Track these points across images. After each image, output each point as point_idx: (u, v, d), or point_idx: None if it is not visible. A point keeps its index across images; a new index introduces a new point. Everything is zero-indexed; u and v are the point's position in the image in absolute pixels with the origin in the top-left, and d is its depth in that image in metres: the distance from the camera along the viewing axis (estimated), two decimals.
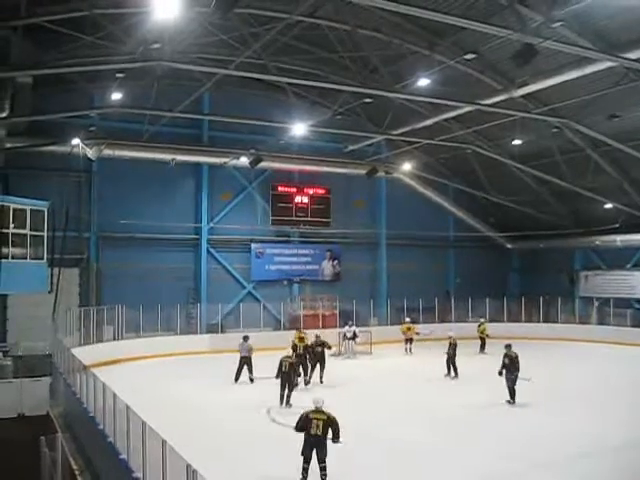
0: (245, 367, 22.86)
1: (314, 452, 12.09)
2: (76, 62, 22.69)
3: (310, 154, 34.57)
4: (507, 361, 19.10)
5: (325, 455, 12.08)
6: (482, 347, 30.03)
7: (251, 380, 22.73)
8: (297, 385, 20.46)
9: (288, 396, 19.51)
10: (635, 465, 13.75)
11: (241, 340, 23.38)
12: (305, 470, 12.10)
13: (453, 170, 39.28)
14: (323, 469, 12.06)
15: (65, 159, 29.01)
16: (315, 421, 12.11)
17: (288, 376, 19.57)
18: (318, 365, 23.17)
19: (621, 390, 21.84)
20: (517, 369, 18.97)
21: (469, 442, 15.34)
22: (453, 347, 24.44)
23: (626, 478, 13.19)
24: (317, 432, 12.06)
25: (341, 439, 12.10)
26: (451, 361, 24.30)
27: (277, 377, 19.50)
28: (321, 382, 22.65)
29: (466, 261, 41.13)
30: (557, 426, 16.75)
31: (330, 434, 12.13)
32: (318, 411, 12.27)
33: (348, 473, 12.77)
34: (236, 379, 22.72)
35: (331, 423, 12.13)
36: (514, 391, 18.96)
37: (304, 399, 19.43)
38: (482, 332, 30.58)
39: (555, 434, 15.88)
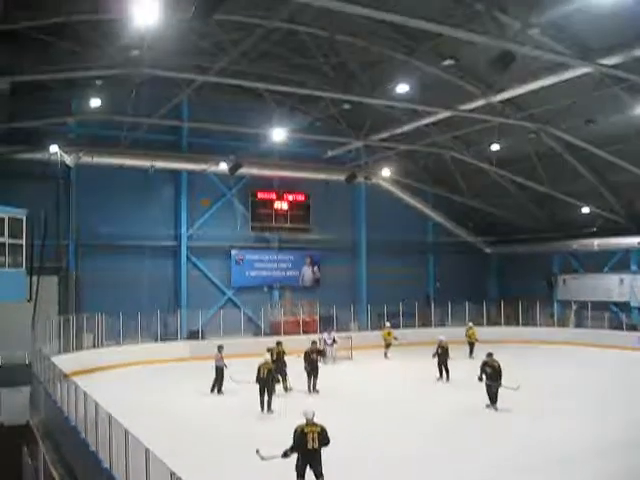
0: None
1: (308, 467, 11.59)
2: (54, 69, 22.56)
3: (289, 160, 34.61)
4: (489, 370, 19.14)
5: (321, 469, 11.61)
6: (471, 351, 30.08)
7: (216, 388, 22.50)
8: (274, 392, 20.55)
9: (269, 402, 19.52)
10: (629, 465, 13.91)
11: (216, 350, 23.20)
12: None
13: (432, 175, 39.46)
14: None
15: (43, 166, 28.90)
16: (311, 434, 11.61)
17: (266, 382, 19.52)
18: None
19: (604, 392, 22.12)
20: (499, 378, 19.01)
21: (463, 449, 15.30)
22: (445, 350, 24.61)
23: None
24: (314, 446, 11.57)
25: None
26: (443, 365, 24.43)
27: (256, 382, 19.46)
28: (315, 390, 22.32)
29: (446, 266, 41.34)
30: (547, 429, 16.87)
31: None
32: (311, 424, 11.77)
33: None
34: (212, 389, 22.43)
35: (324, 434, 11.71)
36: (496, 397, 19.03)
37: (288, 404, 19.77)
38: (470, 336, 30.61)
39: (546, 437, 16.01)
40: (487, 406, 19.11)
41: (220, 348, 23.07)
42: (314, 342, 23.85)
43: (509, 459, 14.34)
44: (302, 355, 23.18)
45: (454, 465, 14.01)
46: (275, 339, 27.36)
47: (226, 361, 22.60)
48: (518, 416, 18.53)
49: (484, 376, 19.29)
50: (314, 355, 22.75)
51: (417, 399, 21.43)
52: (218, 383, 22.44)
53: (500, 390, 19.03)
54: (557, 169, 32.16)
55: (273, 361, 21.73)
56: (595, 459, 14.26)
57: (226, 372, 22.46)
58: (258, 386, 19.48)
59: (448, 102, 25.59)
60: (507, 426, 17.55)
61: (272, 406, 19.53)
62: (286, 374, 22.81)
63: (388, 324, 32.51)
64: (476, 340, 30.41)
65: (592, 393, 22.01)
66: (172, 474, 8.44)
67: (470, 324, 31.89)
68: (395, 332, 31.73)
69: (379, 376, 26.82)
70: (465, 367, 23.43)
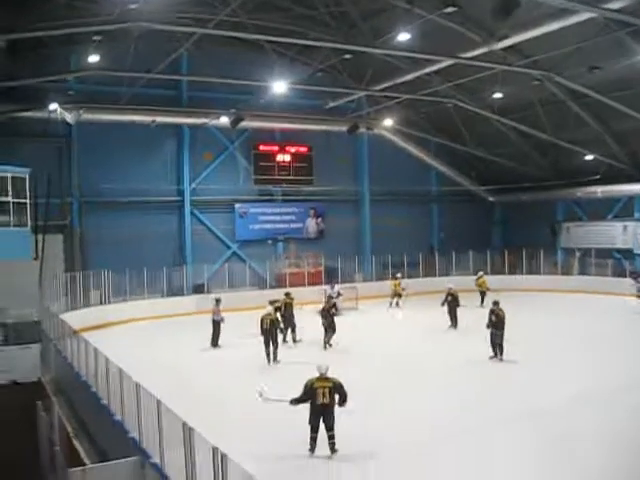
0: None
1: (321, 420, 11.75)
2: (51, 25, 22.29)
3: (291, 112, 34.29)
4: (494, 319, 19.14)
5: (333, 423, 11.74)
6: (482, 300, 29.94)
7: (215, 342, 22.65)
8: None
9: (274, 353, 19.92)
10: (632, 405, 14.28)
11: (213, 302, 23.36)
12: (313, 439, 11.79)
13: (434, 125, 39.18)
14: (331, 437, 11.75)
15: (43, 125, 28.67)
16: (321, 389, 11.69)
17: (270, 333, 19.89)
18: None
19: (608, 339, 22.43)
20: (503, 327, 18.99)
21: (473, 400, 15.47)
22: (454, 298, 24.82)
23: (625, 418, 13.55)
24: (324, 401, 11.66)
25: (349, 403, 11.88)
26: (452, 313, 24.58)
27: (261, 334, 19.83)
28: (329, 345, 22.19)
29: (449, 215, 41.37)
30: (549, 378, 17.15)
31: (337, 399, 11.82)
32: (323, 379, 11.83)
33: (358, 439, 12.45)
34: (212, 344, 22.61)
35: (338, 389, 11.80)
36: (502, 347, 19.08)
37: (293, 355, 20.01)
38: (481, 285, 30.60)
39: (554, 381, 16.46)
40: (490, 357, 19.20)
41: (217, 301, 23.21)
42: (330, 297, 23.97)
43: (513, 408, 14.63)
44: (303, 307, 23.44)
45: (460, 418, 14.22)
46: (280, 291, 27.64)
47: (229, 314, 22.78)
48: (524, 366, 18.70)
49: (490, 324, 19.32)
50: (332, 310, 22.58)
51: (424, 350, 21.58)
52: (215, 337, 22.63)
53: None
54: (560, 117, 31.93)
55: (282, 313, 22.32)
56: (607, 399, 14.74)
57: (223, 326, 22.67)
58: (263, 338, 19.82)
59: (450, 50, 25.32)
60: (515, 376, 17.76)
61: (278, 357, 19.89)
62: (295, 325, 23.04)
63: (399, 275, 32.53)
64: (487, 289, 30.40)
65: (596, 340, 22.26)
66: (184, 424, 8.59)
67: (481, 273, 31.91)
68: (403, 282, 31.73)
69: (386, 326, 27.07)
70: (473, 317, 23.38)
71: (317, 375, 11.91)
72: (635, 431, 12.93)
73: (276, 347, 20.05)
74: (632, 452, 11.85)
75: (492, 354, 19.20)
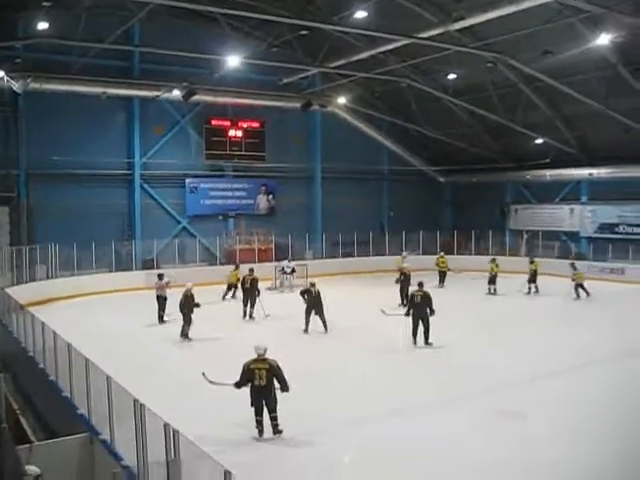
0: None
1: (264, 402, 11.57)
2: None
3: (244, 87, 33.92)
4: (418, 300, 18.58)
5: (274, 404, 11.57)
6: (442, 280, 30.47)
7: (161, 318, 22.55)
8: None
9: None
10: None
11: (156, 279, 23.38)
12: (259, 422, 11.60)
13: (388, 104, 39.24)
14: (274, 419, 11.58)
15: None
16: (257, 371, 11.45)
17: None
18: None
19: (552, 319, 23.15)
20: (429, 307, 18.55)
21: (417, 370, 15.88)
22: (407, 277, 24.95)
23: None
24: (261, 383, 11.44)
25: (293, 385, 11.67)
26: (404, 292, 24.71)
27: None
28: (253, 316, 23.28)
29: (400, 195, 41.56)
30: (485, 359, 17.47)
31: (277, 384, 11.58)
32: (259, 360, 11.57)
33: (303, 418, 12.42)
34: (160, 319, 22.51)
35: (274, 372, 11.50)
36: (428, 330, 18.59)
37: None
38: (440, 265, 30.89)
39: (484, 365, 16.58)
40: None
41: (160, 276, 23.19)
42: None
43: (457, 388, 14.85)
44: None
45: (407, 386, 14.45)
46: (230, 267, 27.76)
47: (178, 290, 22.52)
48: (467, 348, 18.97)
49: (411, 311, 18.69)
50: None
51: (379, 325, 21.36)
52: (160, 312, 22.50)
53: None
54: (513, 100, 32.28)
55: (245, 288, 23.38)
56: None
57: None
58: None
59: (406, 30, 25.26)
60: (455, 358, 17.83)
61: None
62: (255, 302, 23.28)
63: (404, 253, 32.74)
64: (448, 269, 30.86)
65: (541, 320, 22.78)
66: (135, 400, 8.50)
67: (442, 253, 32.24)
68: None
69: (336, 304, 27.07)
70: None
71: (255, 356, 11.71)
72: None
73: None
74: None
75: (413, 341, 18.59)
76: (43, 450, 9.77)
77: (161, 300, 22.54)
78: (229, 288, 27.61)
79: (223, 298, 27.23)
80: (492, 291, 28.61)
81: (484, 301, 27.65)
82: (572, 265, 28.24)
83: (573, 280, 27.37)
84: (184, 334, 19.76)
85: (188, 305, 19.78)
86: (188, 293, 20.03)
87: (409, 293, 20.02)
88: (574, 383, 14.99)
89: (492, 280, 28.79)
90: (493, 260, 29.38)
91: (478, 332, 20.61)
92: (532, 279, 28.86)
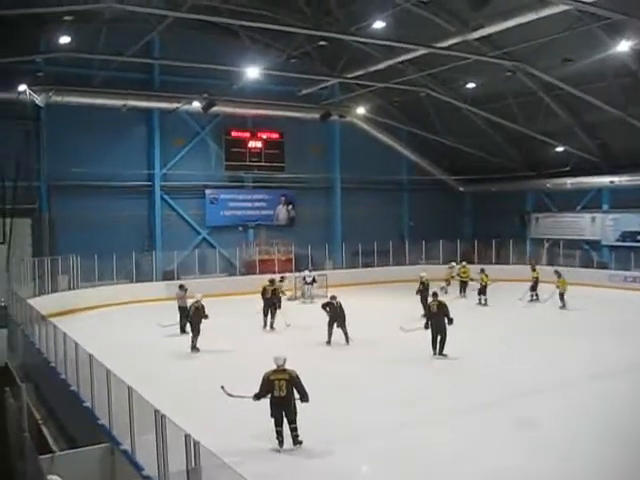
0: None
1: (283, 414, 11.53)
2: (21, 3, 21.88)
3: (263, 98, 34.06)
4: (435, 309, 18.56)
5: (294, 416, 11.54)
6: (462, 290, 30.36)
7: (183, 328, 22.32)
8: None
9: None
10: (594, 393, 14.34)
11: (177, 289, 23.33)
12: (279, 433, 11.55)
13: (407, 114, 39.24)
14: (294, 429, 11.54)
15: (12, 106, 28.16)
16: (277, 382, 11.44)
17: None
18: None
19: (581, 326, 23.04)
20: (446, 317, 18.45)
21: (448, 383, 15.86)
22: (425, 287, 24.88)
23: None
24: (281, 394, 11.41)
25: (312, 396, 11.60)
26: (425, 301, 24.62)
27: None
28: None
29: (420, 204, 41.46)
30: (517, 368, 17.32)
31: (297, 394, 11.54)
32: (279, 371, 11.55)
33: (323, 429, 12.42)
34: (182, 330, 22.32)
35: (294, 382, 11.49)
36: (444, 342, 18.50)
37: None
38: (463, 275, 30.73)
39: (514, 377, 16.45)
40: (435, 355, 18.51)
41: (181, 287, 23.19)
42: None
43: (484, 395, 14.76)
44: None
45: (432, 398, 14.43)
46: (250, 278, 27.91)
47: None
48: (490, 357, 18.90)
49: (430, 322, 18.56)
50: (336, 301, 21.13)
51: (394, 338, 21.36)
52: (182, 323, 22.43)
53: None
54: (532, 108, 32.13)
55: (266, 298, 23.39)
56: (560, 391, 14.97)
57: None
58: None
59: (424, 39, 25.28)
60: (483, 369, 17.72)
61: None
62: (275, 312, 23.44)
63: (452, 263, 32.92)
64: (470, 279, 30.68)
65: (564, 329, 22.60)
66: (156, 411, 8.54)
67: (463, 262, 32.05)
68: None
69: (357, 314, 26.97)
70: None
71: (274, 367, 11.66)
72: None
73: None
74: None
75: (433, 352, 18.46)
76: (65, 460, 9.84)
77: (182, 311, 22.56)
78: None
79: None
80: (482, 302, 28.22)
81: (501, 312, 27.39)
82: (556, 272, 27.91)
83: (557, 287, 27.25)
84: (194, 346, 19.73)
85: (198, 317, 19.74)
86: (198, 305, 19.98)
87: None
88: (586, 394, 14.87)
89: (482, 291, 28.47)
90: (482, 270, 29.17)
91: (494, 342, 20.59)
92: (534, 287, 28.75)
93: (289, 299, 28.88)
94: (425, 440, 11.96)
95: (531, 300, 28.49)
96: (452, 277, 31.39)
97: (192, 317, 19.83)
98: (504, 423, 12.78)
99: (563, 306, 26.84)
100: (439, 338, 18.35)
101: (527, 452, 11.16)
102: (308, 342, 20.52)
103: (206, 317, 19.81)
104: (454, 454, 11.27)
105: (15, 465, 11.52)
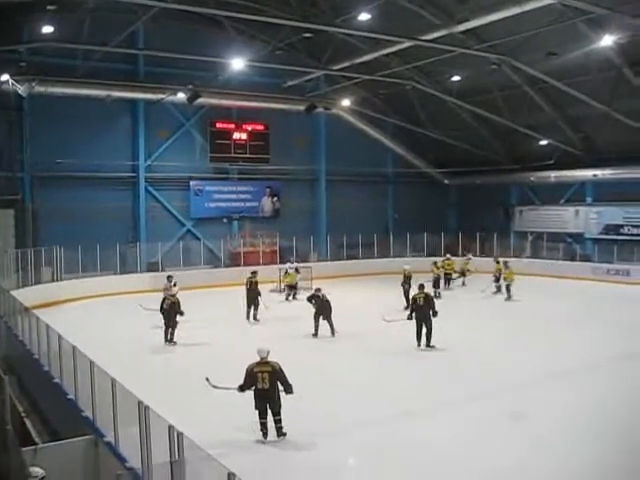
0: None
1: (267, 406, 11.57)
2: None
3: (249, 90, 33.95)
4: (421, 302, 18.55)
5: (278, 408, 11.60)
6: (447, 283, 30.42)
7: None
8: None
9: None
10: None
11: (165, 280, 23.23)
12: (263, 425, 11.60)
13: (392, 106, 39.26)
14: (278, 421, 11.59)
15: None
16: (260, 375, 11.47)
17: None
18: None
19: (559, 320, 23.00)
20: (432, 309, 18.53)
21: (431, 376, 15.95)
22: (407, 279, 25.01)
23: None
24: (264, 386, 11.46)
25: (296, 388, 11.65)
26: (407, 294, 24.72)
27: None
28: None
29: (405, 197, 41.54)
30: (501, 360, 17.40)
31: (281, 386, 11.58)
32: (262, 363, 11.60)
33: (307, 420, 12.43)
34: None
35: (277, 375, 11.52)
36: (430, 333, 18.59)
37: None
38: (447, 267, 30.63)
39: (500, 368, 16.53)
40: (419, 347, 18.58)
41: (169, 278, 23.12)
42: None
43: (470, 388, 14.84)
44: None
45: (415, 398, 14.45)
46: (235, 270, 27.81)
47: (184, 293, 22.52)
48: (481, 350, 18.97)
49: (414, 314, 18.60)
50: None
51: (376, 329, 21.34)
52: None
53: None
54: (517, 102, 32.28)
55: (248, 289, 23.26)
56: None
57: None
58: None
59: (410, 32, 25.31)
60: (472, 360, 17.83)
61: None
62: (259, 303, 23.40)
63: (469, 255, 33.58)
64: (468, 271, 31.22)
65: (546, 321, 22.77)
66: (140, 402, 8.53)
67: (447, 255, 32.01)
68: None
69: (342, 306, 27.02)
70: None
71: (258, 359, 11.70)
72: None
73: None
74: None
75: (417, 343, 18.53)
76: (48, 452, 9.79)
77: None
78: (290, 288, 28.35)
79: (286, 299, 27.90)
80: (437, 295, 27.36)
81: (484, 302, 27.56)
82: (504, 264, 28.53)
83: (505, 279, 27.77)
84: (169, 339, 19.61)
85: (173, 310, 19.54)
86: (175, 299, 19.83)
87: (411, 296, 19.84)
88: (577, 386, 14.97)
89: (436, 283, 28.51)
90: (434, 263, 29.41)
91: (479, 333, 20.71)
92: (497, 278, 29.00)
93: (272, 291, 28.96)
94: (411, 433, 12.01)
95: (496, 292, 28.73)
96: (469, 269, 31.67)
97: (166, 310, 19.63)
98: (491, 416, 12.86)
99: (509, 297, 27.33)
100: (424, 330, 18.39)
101: (524, 447, 11.26)
102: (293, 334, 20.56)
103: (181, 314, 19.63)
104: (443, 448, 11.32)
105: None
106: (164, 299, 20.00)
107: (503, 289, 27.91)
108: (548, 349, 18.40)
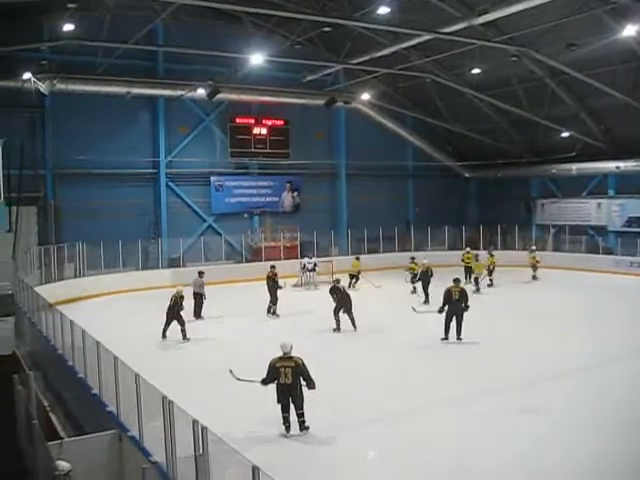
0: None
1: (290, 400, 11.60)
2: None
3: (268, 85, 33.98)
4: (456, 296, 18.40)
5: (301, 402, 11.60)
6: (467, 276, 29.43)
7: (198, 316, 22.59)
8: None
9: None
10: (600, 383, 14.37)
11: (196, 276, 23.28)
12: (285, 419, 11.66)
13: (412, 100, 39.14)
14: (300, 415, 11.63)
15: (16, 95, 28.06)
16: (283, 369, 11.49)
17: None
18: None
19: (581, 313, 22.91)
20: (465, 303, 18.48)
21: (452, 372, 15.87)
22: (424, 273, 25.18)
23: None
24: (286, 381, 11.48)
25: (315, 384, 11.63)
26: (425, 287, 24.69)
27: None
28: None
29: (425, 191, 41.35)
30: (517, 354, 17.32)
31: (303, 381, 11.59)
32: (285, 358, 11.61)
33: (330, 415, 12.52)
34: (195, 315, 22.48)
35: (300, 370, 11.53)
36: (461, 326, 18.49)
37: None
38: (467, 260, 30.14)
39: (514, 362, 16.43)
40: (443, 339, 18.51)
41: (201, 274, 23.19)
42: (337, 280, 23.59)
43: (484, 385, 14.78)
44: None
45: (437, 385, 14.44)
46: (256, 265, 27.87)
47: (206, 288, 22.77)
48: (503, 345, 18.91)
49: (446, 307, 18.48)
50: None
51: (399, 323, 21.43)
52: (197, 308, 22.55)
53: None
54: (538, 93, 32.07)
55: (269, 285, 23.54)
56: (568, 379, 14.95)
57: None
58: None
59: (429, 25, 25.17)
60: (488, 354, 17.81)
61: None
62: (276, 298, 23.41)
63: (533, 247, 33.45)
64: (537, 262, 31.37)
65: (569, 314, 22.59)
66: (164, 397, 8.60)
67: (468, 249, 31.46)
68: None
69: (361, 300, 27.03)
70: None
71: (280, 354, 11.73)
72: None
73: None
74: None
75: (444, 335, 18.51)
76: (73, 446, 9.92)
77: (198, 297, 22.63)
78: (351, 277, 28.76)
79: (349, 286, 27.39)
80: (414, 290, 27.48)
81: (502, 296, 27.44)
82: (489, 253, 29.66)
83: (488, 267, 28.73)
84: (163, 334, 19.69)
85: (178, 307, 19.61)
86: (178, 296, 19.81)
87: (444, 289, 19.26)
88: (593, 381, 14.83)
89: (414, 279, 28.11)
90: (412, 259, 29.22)
91: (498, 328, 20.64)
92: (491, 272, 29.13)
93: (294, 285, 29.03)
94: (432, 428, 11.95)
95: (490, 285, 28.80)
96: (537, 262, 31.52)
97: (173, 308, 19.57)
98: (512, 412, 12.79)
99: (477, 290, 27.41)
100: (454, 322, 18.32)
101: (535, 442, 11.19)
102: (314, 329, 20.57)
103: (182, 308, 19.72)
104: (465, 442, 11.31)
105: (25, 452, 11.62)
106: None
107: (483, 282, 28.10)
108: (570, 344, 18.26)
